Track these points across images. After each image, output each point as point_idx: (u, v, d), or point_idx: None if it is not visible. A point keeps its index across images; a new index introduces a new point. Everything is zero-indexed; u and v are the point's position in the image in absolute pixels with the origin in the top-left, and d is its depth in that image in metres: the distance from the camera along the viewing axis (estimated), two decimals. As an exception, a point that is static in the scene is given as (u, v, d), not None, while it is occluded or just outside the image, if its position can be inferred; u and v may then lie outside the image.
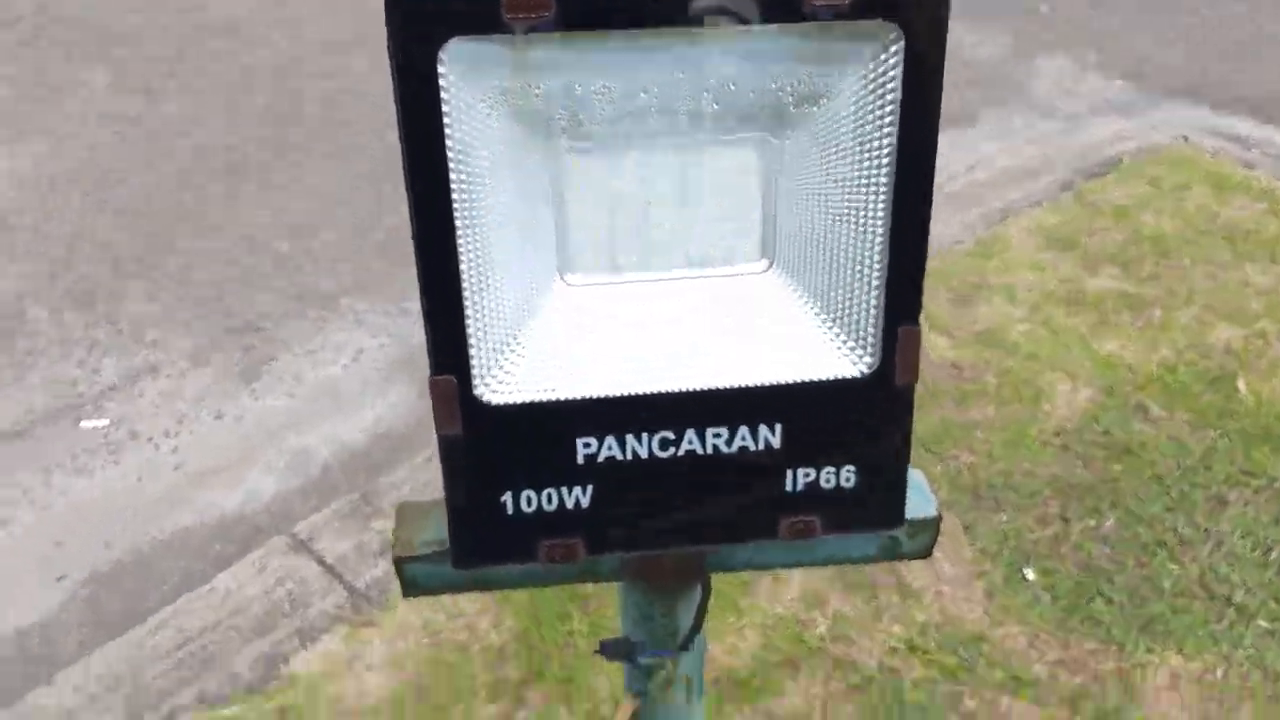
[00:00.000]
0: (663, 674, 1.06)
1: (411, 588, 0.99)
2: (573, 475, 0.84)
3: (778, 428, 0.84)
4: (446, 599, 2.11)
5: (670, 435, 0.83)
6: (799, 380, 0.82)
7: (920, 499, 0.98)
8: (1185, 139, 3.96)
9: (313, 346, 3.02)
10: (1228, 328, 2.85)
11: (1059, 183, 3.71)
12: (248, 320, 3.12)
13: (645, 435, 0.83)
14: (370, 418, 2.80)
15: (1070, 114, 4.27)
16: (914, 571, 2.05)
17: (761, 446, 0.84)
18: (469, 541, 0.88)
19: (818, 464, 0.86)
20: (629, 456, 0.83)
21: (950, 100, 0.74)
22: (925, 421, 2.51)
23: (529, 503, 0.85)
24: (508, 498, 0.84)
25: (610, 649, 1.01)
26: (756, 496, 0.87)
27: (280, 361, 2.98)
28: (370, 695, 1.92)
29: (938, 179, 0.77)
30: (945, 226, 3.43)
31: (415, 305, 2.56)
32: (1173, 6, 5.00)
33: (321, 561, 2.23)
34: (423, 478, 2.48)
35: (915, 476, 0.97)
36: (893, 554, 1.01)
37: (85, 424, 2.77)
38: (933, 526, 0.98)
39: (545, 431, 0.83)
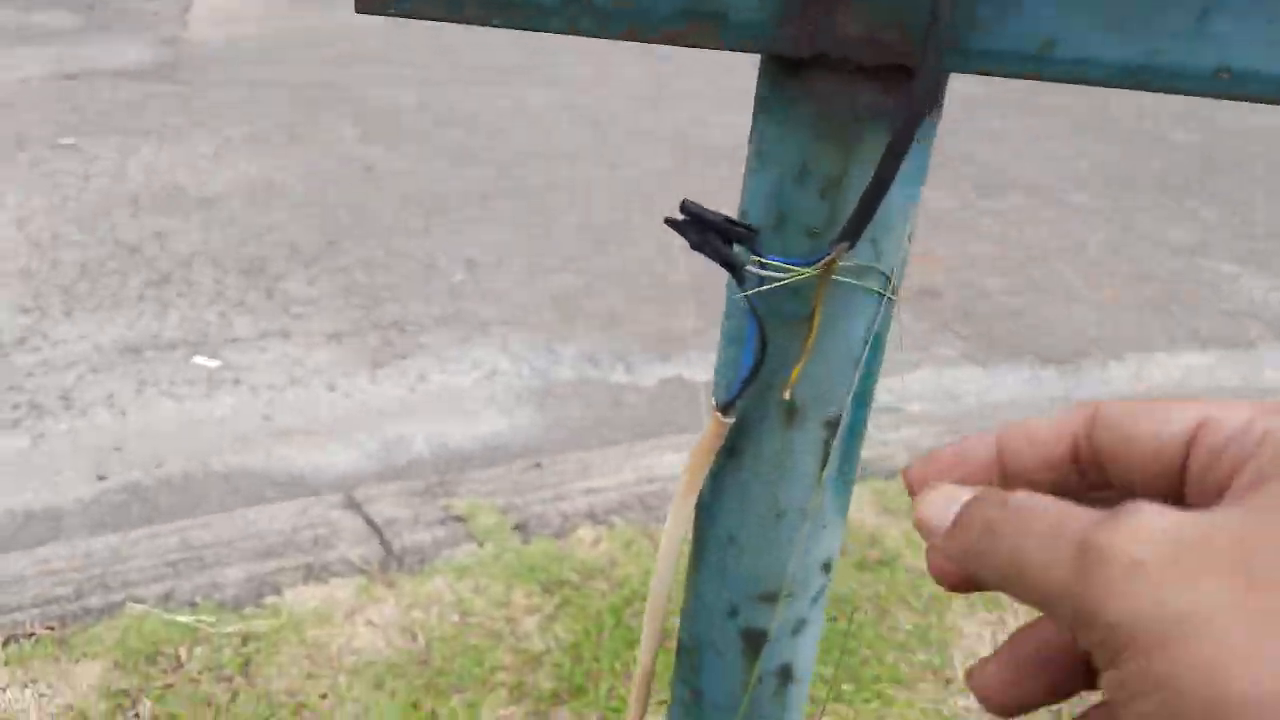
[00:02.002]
0: (793, 314, 0.56)
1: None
2: None
3: None
4: (485, 578, 1.60)
5: None
6: None
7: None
8: None
9: (450, 356, 2.74)
10: None
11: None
12: (396, 320, 2.91)
13: None
14: (485, 430, 2.43)
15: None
16: None
17: None
18: None
19: None
20: None
21: None
22: None
23: None
24: None
25: (700, 225, 0.52)
26: None
27: (412, 359, 2.70)
28: (357, 651, 1.41)
29: None
30: None
31: (567, 350, 2.19)
32: None
33: (368, 520, 1.80)
34: (516, 478, 2.04)
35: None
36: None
37: (197, 359, 2.57)
38: None
39: None
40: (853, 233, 0.51)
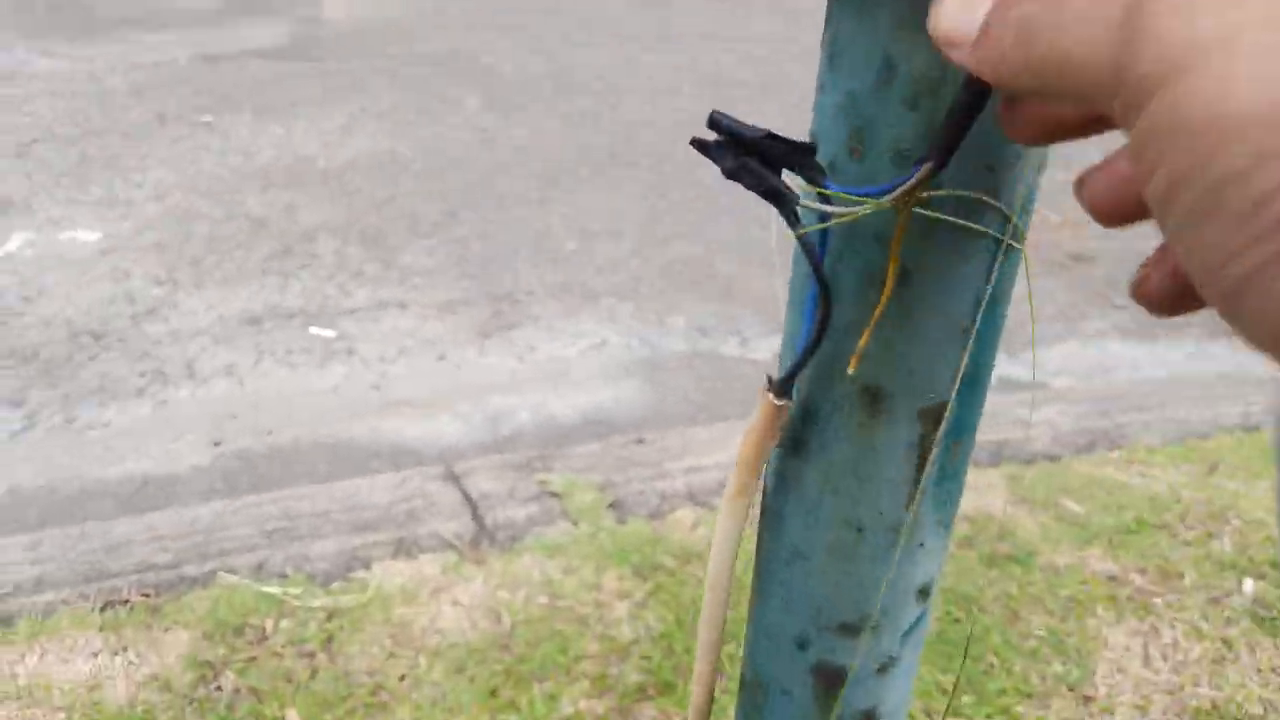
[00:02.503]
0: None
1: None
2: None
3: None
4: (577, 559, 1.53)
5: None
6: None
7: None
8: None
9: (559, 326, 2.68)
10: None
11: None
12: (508, 290, 2.87)
13: None
14: (588, 401, 2.36)
15: None
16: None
17: None
18: None
19: None
20: None
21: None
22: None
23: None
24: None
25: (736, 145, 0.40)
26: None
27: (521, 331, 2.66)
28: (440, 632, 1.36)
29: None
30: None
31: (677, 322, 2.11)
32: None
33: (464, 494, 1.76)
34: (617, 454, 1.96)
35: None
36: None
37: (313, 330, 2.60)
38: None
39: None
40: (944, 148, 0.37)
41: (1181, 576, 1.53)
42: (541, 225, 3.32)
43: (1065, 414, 2.02)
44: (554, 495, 1.71)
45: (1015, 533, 1.62)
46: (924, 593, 0.55)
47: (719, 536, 0.52)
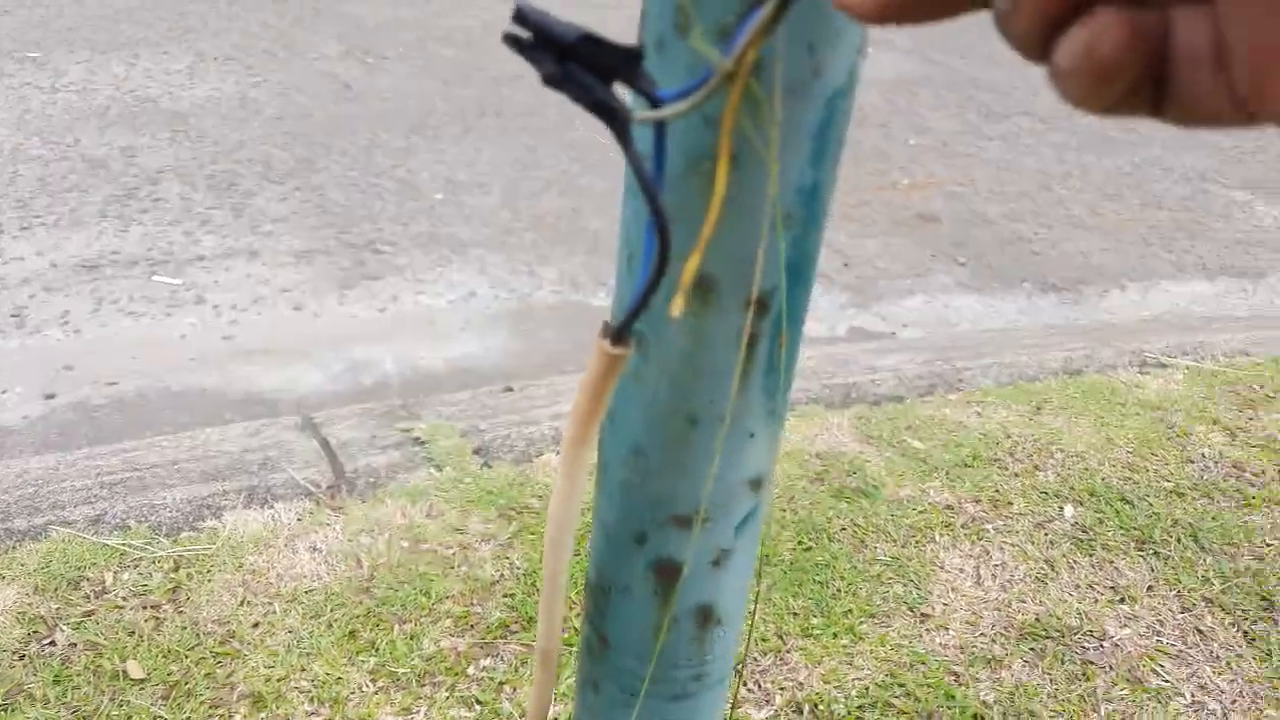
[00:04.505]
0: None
1: None
2: None
3: None
4: (441, 503, 1.52)
5: None
6: None
7: None
8: None
9: (426, 278, 2.63)
10: None
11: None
12: (370, 240, 2.79)
13: None
14: (458, 353, 2.33)
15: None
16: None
17: None
18: None
19: None
20: None
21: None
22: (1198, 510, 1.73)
23: None
24: None
25: (553, 46, 0.34)
26: None
27: (385, 281, 2.59)
28: (296, 578, 1.33)
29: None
30: (1228, 337, 2.67)
31: (547, 272, 2.09)
32: None
33: (322, 442, 1.71)
34: (484, 402, 1.94)
35: None
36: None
37: (158, 278, 2.46)
38: None
39: None
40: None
41: (1011, 504, 1.65)
42: (405, 175, 3.23)
43: (910, 361, 2.13)
44: (417, 442, 1.69)
45: (863, 468, 1.71)
46: (756, 484, 0.58)
47: (561, 485, 0.49)
